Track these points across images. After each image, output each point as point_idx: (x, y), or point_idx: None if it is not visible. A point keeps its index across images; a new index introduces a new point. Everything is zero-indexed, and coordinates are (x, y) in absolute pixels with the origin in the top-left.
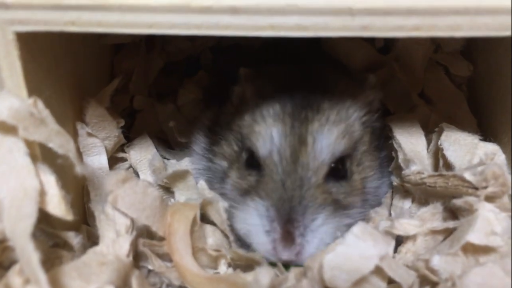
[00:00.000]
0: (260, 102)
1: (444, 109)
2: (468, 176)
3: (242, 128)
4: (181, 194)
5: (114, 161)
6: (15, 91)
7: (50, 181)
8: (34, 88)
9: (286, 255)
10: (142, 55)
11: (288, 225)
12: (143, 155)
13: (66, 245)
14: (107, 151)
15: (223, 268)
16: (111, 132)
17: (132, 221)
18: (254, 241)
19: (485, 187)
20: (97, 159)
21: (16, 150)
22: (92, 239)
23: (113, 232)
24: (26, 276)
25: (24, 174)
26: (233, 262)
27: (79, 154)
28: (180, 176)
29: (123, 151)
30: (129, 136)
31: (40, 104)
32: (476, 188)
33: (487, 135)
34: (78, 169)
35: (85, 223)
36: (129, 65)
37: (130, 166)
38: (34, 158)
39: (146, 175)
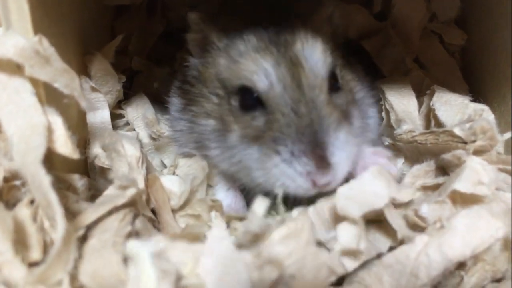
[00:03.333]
0: (231, 40)
1: (437, 75)
2: (457, 131)
3: (220, 73)
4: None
5: (112, 117)
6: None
7: (57, 121)
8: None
9: (324, 180)
10: (142, 19)
11: (318, 150)
12: (140, 112)
13: (70, 189)
14: (108, 106)
15: None
16: (114, 86)
17: (142, 153)
18: (290, 187)
19: (474, 141)
20: (100, 114)
21: (23, 90)
22: (92, 191)
23: (126, 166)
24: (35, 206)
25: (32, 113)
26: None
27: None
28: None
29: (121, 108)
30: (129, 94)
31: (46, 42)
32: (465, 143)
33: (478, 101)
34: (83, 104)
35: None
36: (129, 28)
37: (127, 123)
38: (40, 99)
39: (142, 131)
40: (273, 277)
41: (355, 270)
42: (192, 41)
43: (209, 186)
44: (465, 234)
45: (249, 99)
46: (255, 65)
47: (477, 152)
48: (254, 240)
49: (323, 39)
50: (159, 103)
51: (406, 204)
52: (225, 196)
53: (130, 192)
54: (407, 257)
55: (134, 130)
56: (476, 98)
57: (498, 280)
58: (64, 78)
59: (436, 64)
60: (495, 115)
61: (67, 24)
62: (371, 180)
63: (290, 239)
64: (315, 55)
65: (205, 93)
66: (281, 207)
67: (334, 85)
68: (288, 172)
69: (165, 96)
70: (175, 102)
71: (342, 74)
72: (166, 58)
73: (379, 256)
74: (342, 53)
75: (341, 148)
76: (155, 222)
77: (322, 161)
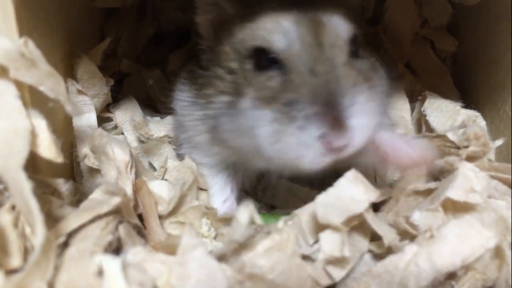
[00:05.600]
0: (248, 6)
1: (428, 81)
2: (451, 136)
3: (235, 40)
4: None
5: (100, 120)
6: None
7: (41, 124)
8: (25, 35)
9: (340, 142)
10: (132, 21)
11: (333, 111)
12: (128, 115)
13: (55, 194)
14: (95, 109)
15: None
16: (101, 89)
17: (132, 157)
18: (305, 157)
19: (467, 147)
20: (87, 117)
21: (7, 93)
22: (78, 196)
23: (115, 170)
24: (17, 212)
25: (15, 116)
26: None
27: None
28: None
29: (109, 111)
30: (118, 97)
31: (31, 45)
32: (458, 148)
33: (469, 108)
34: (68, 109)
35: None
36: (119, 30)
37: (116, 126)
38: (24, 102)
39: (131, 134)
40: None
41: (344, 280)
42: (203, 22)
43: (201, 189)
44: (456, 243)
45: (265, 60)
46: (273, 23)
47: (469, 159)
48: (237, 250)
49: (344, 5)
50: (150, 106)
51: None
52: (221, 205)
53: (115, 200)
54: (396, 266)
55: (122, 133)
56: (467, 105)
57: None
58: (49, 82)
59: (428, 70)
60: (486, 122)
61: (54, 25)
62: (348, 185)
63: (274, 252)
64: (337, 16)
65: (219, 73)
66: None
67: (355, 51)
68: (302, 138)
69: (168, 93)
70: (183, 96)
71: (362, 44)
72: (157, 61)
73: (367, 265)
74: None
75: (360, 111)
76: (141, 229)
77: (337, 122)
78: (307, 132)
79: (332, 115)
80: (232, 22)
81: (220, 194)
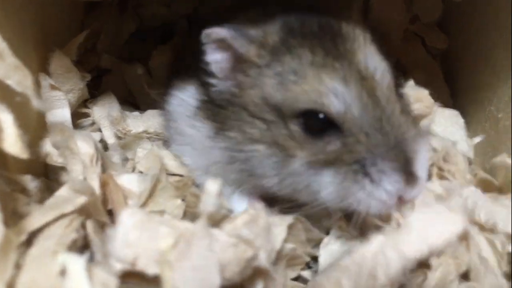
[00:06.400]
0: (275, 55)
1: (419, 78)
2: None
3: (269, 97)
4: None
5: (77, 116)
6: None
7: (7, 119)
8: None
9: (413, 195)
10: (114, 16)
11: (408, 167)
12: (106, 111)
13: (24, 191)
14: (70, 105)
15: None
16: (76, 85)
17: (97, 150)
18: (375, 207)
19: None
20: (60, 112)
21: None
22: (48, 193)
23: (80, 164)
24: None
25: None
26: None
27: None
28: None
29: (86, 106)
30: (96, 93)
31: None
32: None
33: (459, 105)
34: (35, 104)
35: (46, 177)
36: (100, 25)
37: (93, 122)
38: None
39: (108, 131)
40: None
41: (314, 277)
42: (216, 63)
43: (171, 175)
44: (422, 231)
45: (317, 123)
46: (321, 85)
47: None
48: (215, 221)
49: (371, 38)
50: (129, 103)
51: None
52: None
53: (82, 199)
54: (364, 258)
55: (99, 130)
56: (456, 103)
57: (465, 275)
58: (16, 75)
59: (418, 67)
60: (471, 120)
61: (28, 17)
62: None
63: (252, 224)
64: (377, 62)
65: (245, 117)
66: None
67: (397, 90)
68: (377, 193)
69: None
70: (200, 128)
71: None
72: (139, 57)
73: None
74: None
75: (425, 160)
76: (109, 226)
77: (412, 177)
78: (383, 187)
79: (408, 171)
80: (258, 71)
81: (242, 196)
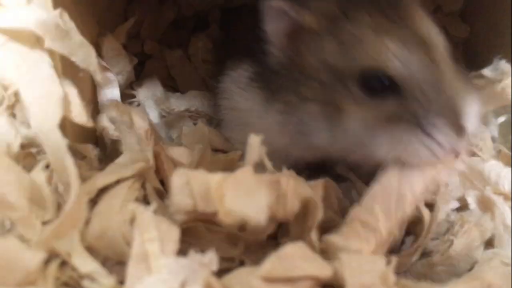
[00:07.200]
0: (334, 22)
1: None
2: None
3: (329, 59)
4: None
5: (124, 97)
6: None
7: (72, 92)
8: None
9: (462, 147)
10: (154, 6)
11: (460, 122)
12: (151, 92)
13: (84, 159)
14: (119, 86)
15: None
16: (124, 67)
17: (151, 125)
18: (427, 157)
19: None
20: (110, 92)
21: (41, 62)
22: (102, 164)
23: (135, 137)
24: (50, 171)
25: (49, 83)
26: None
27: None
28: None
29: (133, 88)
30: (140, 76)
31: (66, 16)
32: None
33: None
34: (98, 78)
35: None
36: (141, 14)
37: (138, 104)
38: (56, 71)
39: (153, 111)
40: None
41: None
42: (275, 31)
43: (215, 151)
44: None
45: (376, 83)
46: (382, 47)
47: None
48: None
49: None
50: (170, 87)
51: None
52: None
53: (139, 165)
54: (390, 181)
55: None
56: None
57: (489, 242)
58: (81, 52)
59: None
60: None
61: (83, 4)
62: None
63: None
64: (432, 26)
65: (301, 79)
66: None
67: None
68: (428, 143)
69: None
70: (254, 97)
71: None
72: (177, 44)
73: None
74: None
75: (476, 116)
76: (163, 193)
77: (462, 131)
78: (437, 138)
79: (459, 126)
80: (317, 37)
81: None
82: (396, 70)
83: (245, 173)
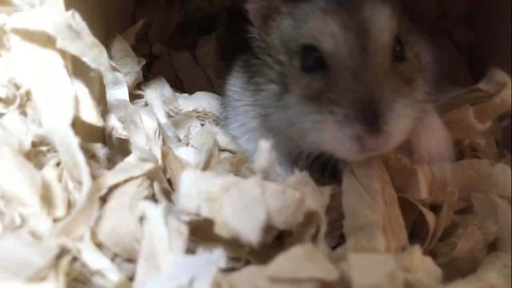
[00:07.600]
0: (297, 4)
1: (445, 71)
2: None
3: (284, 35)
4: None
5: (131, 97)
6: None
7: (83, 91)
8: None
9: (374, 145)
10: (162, 9)
11: (371, 117)
12: (159, 92)
13: (93, 158)
14: (127, 86)
15: None
16: (133, 68)
17: (159, 125)
18: (340, 150)
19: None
20: (119, 92)
21: (53, 61)
22: (111, 163)
23: (143, 137)
24: (61, 168)
25: (61, 83)
26: None
27: None
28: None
29: (141, 89)
30: (148, 77)
31: (78, 17)
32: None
33: None
34: (109, 78)
35: None
36: (149, 17)
37: (146, 104)
38: (68, 71)
39: (160, 111)
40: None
41: None
42: (253, 10)
43: (221, 151)
44: None
45: (311, 60)
46: (322, 25)
47: None
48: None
49: (391, 2)
50: (177, 88)
51: None
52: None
53: (148, 165)
54: None
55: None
56: None
57: (493, 245)
58: (92, 53)
59: (444, 60)
60: None
61: (93, 6)
62: None
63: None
64: (382, 21)
65: (269, 62)
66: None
67: (399, 53)
68: (339, 135)
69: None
70: (236, 81)
71: (407, 39)
72: (184, 46)
73: None
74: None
75: (396, 118)
76: (170, 193)
77: (373, 127)
78: (344, 129)
79: (370, 121)
80: (281, 16)
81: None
82: (327, 49)
83: (251, 184)
